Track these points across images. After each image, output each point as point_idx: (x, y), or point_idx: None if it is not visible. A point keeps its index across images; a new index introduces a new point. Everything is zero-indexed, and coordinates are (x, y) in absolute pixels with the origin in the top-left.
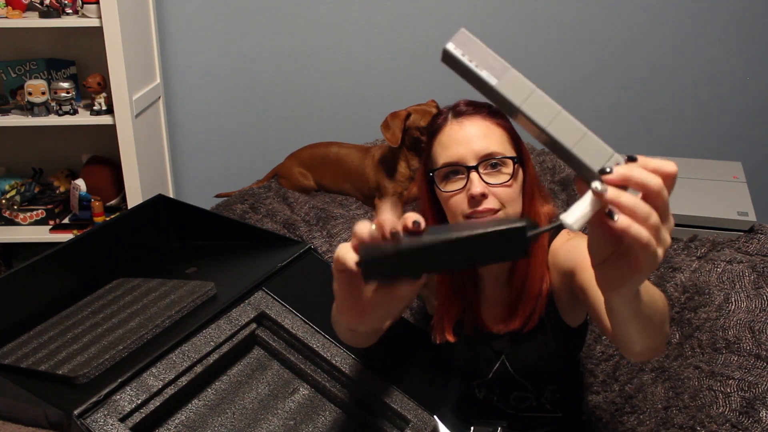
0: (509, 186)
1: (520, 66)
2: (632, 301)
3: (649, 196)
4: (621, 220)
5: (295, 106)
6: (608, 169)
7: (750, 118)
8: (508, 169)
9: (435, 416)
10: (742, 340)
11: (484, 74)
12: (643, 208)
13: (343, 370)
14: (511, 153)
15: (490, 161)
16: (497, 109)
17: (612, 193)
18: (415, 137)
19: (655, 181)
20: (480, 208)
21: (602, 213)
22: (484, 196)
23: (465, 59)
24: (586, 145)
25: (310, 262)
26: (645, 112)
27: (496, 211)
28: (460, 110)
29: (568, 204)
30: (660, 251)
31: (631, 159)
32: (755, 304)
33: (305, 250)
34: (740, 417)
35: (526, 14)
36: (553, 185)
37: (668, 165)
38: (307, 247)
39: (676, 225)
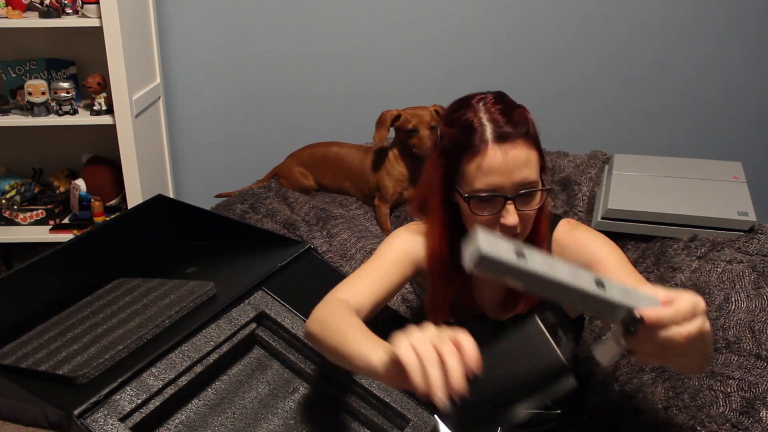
0: (534, 213)
1: (521, 66)
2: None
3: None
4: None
5: (295, 106)
6: (632, 330)
7: (750, 118)
8: (539, 196)
9: (435, 415)
10: (742, 340)
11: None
12: (656, 350)
13: (343, 369)
14: (539, 177)
15: (525, 190)
16: (532, 128)
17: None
18: (402, 139)
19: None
20: (509, 237)
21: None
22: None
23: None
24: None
25: (310, 261)
26: (645, 112)
27: (518, 235)
28: (504, 133)
29: (567, 204)
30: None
31: (635, 321)
32: (755, 304)
33: (305, 250)
34: (740, 417)
35: (526, 15)
36: (553, 185)
37: (685, 311)
38: (307, 246)
39: (676, 225)
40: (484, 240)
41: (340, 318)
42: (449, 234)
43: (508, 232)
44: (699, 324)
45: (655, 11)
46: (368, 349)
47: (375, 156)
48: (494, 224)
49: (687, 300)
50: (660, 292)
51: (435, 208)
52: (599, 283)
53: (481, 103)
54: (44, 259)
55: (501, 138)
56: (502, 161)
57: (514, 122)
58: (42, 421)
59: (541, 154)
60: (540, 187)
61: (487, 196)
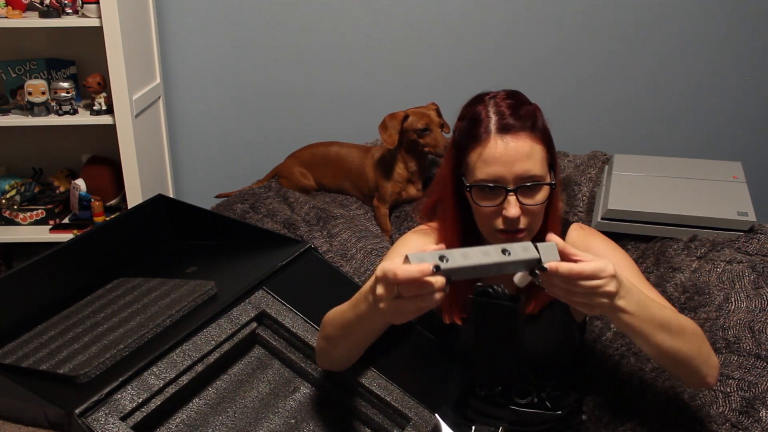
0: (539, 209)
1: (521, 66)
2: (618, 320)
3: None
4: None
5: (295, 107)
6: (537, 274)
7: (750, 118)
8: (543, 191)
9: (436, 414)
10: (742, 340)
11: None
12: (561, 293)
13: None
14: (547, 173)
15: (527, 183)
16: (541, 124)
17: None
18: (412, 140)
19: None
20: (513, 230)
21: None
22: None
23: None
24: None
25: (310, 261)
26: (645, 112)
27: (524, 230)
28: (507, 124)
29: (567, 204)
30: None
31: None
32: (755, 304)
33: (305, 250)
34: (740, 417)
35: (526, 15)
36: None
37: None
38: (307, 246)
39: (676, 225)
40: (413, 258)
41: (331, 316)
42: (462, 231)
43: (511, 224)
44: (599, 284)
45: (656, 11)
46: (359, 303)
47: (373, 156)
48: (497, 216)
49: (592, 263)
50: (560, 242)
51: (447, 201)
52: (505, 251)
53: (492, 99)
54: (44, 259)
55: (504, 129)
56: (503, 151)
57: (519, 116)
58: (42, 421)
59: (550, 151)
60: (544, 181)
61: (488, 186)
